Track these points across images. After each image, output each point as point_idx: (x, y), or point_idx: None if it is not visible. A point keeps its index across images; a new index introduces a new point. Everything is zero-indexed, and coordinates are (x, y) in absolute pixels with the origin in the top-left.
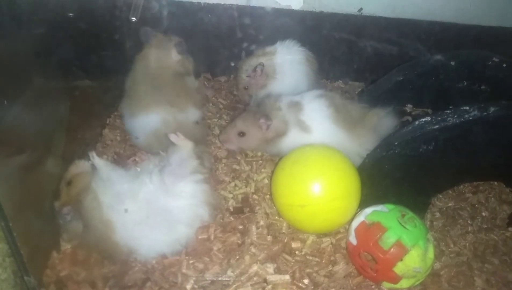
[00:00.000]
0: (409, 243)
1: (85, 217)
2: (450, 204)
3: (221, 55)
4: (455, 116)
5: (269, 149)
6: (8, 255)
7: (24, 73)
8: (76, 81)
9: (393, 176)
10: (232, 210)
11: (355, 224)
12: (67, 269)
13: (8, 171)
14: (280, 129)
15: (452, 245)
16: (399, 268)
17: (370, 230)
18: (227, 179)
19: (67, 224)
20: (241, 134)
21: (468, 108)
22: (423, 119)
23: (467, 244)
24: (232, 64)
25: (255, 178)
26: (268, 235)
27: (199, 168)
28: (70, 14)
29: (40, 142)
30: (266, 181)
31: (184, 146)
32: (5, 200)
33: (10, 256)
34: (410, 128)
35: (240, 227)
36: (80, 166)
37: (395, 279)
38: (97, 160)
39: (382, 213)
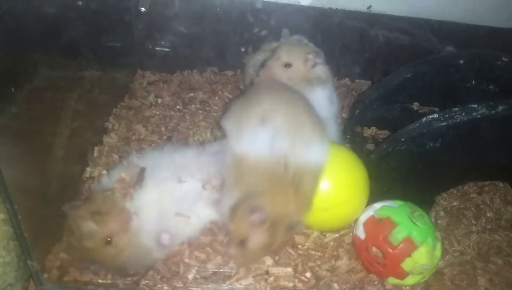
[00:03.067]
0: (419, 239)
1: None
2: (454, 204)
3: (228, 49)
4: (463, 114)
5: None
6: (12, 238)
7: (31, 61)
8: (83, 71)
9: (398, 173)
10: None
11: (363, 218)
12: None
13: (15, 155)
14: (324, 73)
15: (456, 244)
16: (407, 264)
17: (379, 225)
18: None
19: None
20: (288, 65)
21: (476, 106)
22: (430, 116)
23: (471, 243)
24: (243, 50)
25: None
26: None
27: None
28: (80, 2)
29: (47, 129)
30: None
31: None
32: (11, 183)
33: (14, 239)
34: (417, 124)
35: None
36: (124, 216)
37: (402, 275)
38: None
39: (392, 208)
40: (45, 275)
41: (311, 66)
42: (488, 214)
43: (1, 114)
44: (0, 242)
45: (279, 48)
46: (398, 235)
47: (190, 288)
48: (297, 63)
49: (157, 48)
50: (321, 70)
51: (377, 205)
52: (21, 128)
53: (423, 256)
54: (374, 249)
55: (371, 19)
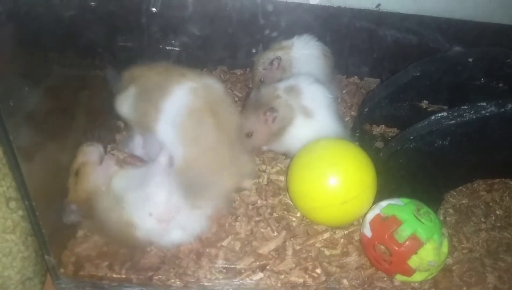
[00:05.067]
0: (424, 237)
1: (100, 216)
2: (463, 201)
3: (237, 48)
4: (472, 112)
5: (276, 144)
6: (30, 234)
7: (46, 58)
8: (96, 70)
9: (407, 170)
10: (245, 201)
11: (370, 216)
12: (85, 251)
13: (33, 153)
14: (285, 118)
15: (464, 242)
16: (414, 261)
17: (385, 223)
18: None
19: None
20: (249, 134)
21: (485, 104)
22: (439, 114)
23: (480, 241)
24: (254, 51)
25: (267, 170)
26: (280, 225)
27: None
28: (92, 3)
29: (63, 127)
30: (278, 173)
31: None
32: (30, 180)
33: (32, 235)
34: (426, 122)
35: (253, 217)
36: (88, 153)
37: (409, 272)
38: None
39: (398, 206)
40: (61, 270)
41: (272, 122)
42: (497, 212)
43: (21, 111)
44: (19, 237)
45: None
46: (404, 232)
47: (201, 284)
48: (258, 129)
49: (167, 48)
50: (283, 118)
51: (383, 204)
52: (38, 125)
53: (430, 253)
54: (380, 247)
55: (380, 18)
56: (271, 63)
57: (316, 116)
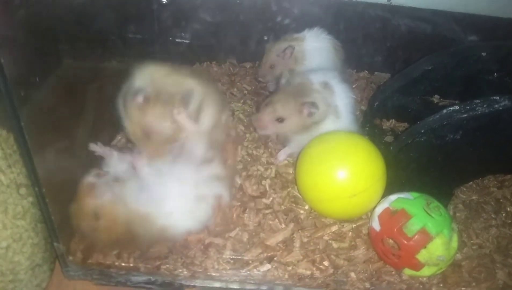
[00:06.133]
0: (434, 231)
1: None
2: (473, 197)
3: (247, 42)
4: (485, 106)
5: (297, 141)
6: (40, 221)
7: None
8: (104, 62)
9: (418, 164)
10: (253, 193)
11: (378, 210)
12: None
13: (44, 141)
14: (321, 115)
15: (474, 237)
16: (423, 255)
17: (394, 217)
18: (249, 159)
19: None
20: (280, 119)
21: (498, 98)
22: (451, 108)
23: (490, 237)
24: (265, 38)
25: (275, 163)
26: (288, 218)
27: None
28: None
29: (74, 116)
30: (286, 166)
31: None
32: (40, 167)
33: (42, 222)
34: (438, 116)
35: (262, 209)
36: (100, 191)
37: (418, 266)
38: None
39: (407, 200)
40: (70, 258)
41: (307, 115)
42: (508, 209)
43: (32, 102)
44: (29, 224)
45: (274, 99)
46: (413, 226)
47: (209, 274)
48: (291, 117)
49: (177, 40)
50: (318, 114)
51: (393, 197)
52: (49, 114)
53: (439, 248)
54: (389, 240)
55: (392, 12)
56: (284, 51)
57: (343, 117)
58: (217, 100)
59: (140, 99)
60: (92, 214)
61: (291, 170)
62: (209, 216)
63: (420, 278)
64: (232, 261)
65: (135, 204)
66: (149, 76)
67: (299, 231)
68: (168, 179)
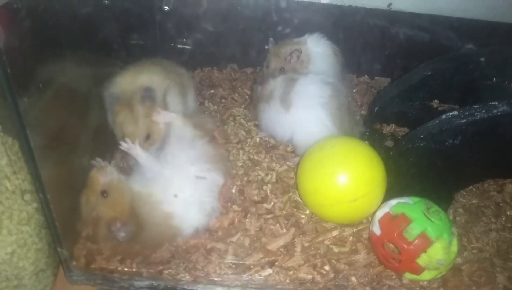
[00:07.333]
0: (434, 235)
1: (142, 221)
2: (473, 201)
3: (248, 47)
4: (483, 111)
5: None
6: (44, 226)
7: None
8: (108, 68)
9: (417, 169)
10: (254, 198)
11: (379, 215)
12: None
13: (48, 148)
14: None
15: (474, 241)
16: (423, 259)
17: (394, 221)
18: (250, 165)
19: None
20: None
21: (497, 103)
22: (450, 113)
23: (490, 241)
24: (266, 48)
25: (276, 169)
26: (289, 223)
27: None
28: (106, 1)
29: (77, 122)
30: (287, 171)
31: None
32: (45, 174)
33: (46, 227)
34: (437, 121)
35: (263, 214)
36: (108, 173)
37: (418, 270)
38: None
39: (407, 205)
40: (74, 263)
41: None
42: (508, 213)
43: (35, 108)
44: (33, 229)
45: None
46: (413, 231)
47: (211, 278)
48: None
49: (178, 46)
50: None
51: (393, 202)
52: (53, 121)
53: (439, 252)
54: (390, 245)
55: (391, 17)
56: (291, 54)
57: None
58: (182, 83)
59: (116, 108)
60: (101, 191)
61: (292, 175)
62: (211, 191)
63: (420, 282)
64: (233, 266)
65: (139, 184)
66: (119, 84)
67: (300, 235)
68: (165, 159)
